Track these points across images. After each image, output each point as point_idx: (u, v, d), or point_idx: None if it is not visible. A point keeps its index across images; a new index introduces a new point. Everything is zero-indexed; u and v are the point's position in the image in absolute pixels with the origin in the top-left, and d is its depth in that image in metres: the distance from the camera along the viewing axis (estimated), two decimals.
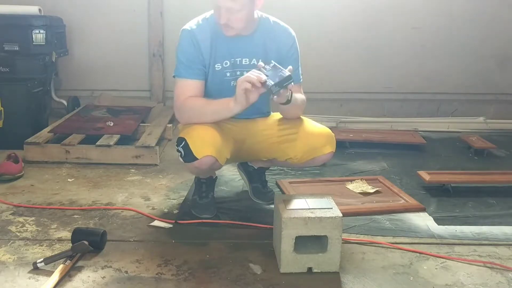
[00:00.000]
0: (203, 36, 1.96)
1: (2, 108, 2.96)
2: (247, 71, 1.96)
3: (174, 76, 2.00)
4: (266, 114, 2.19)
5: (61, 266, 1.65)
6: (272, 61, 1.83)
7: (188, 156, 1.89)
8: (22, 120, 3.05)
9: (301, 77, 2.13)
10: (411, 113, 4.00)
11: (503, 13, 3.94)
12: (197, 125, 1.92)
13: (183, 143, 1.90)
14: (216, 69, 1.99)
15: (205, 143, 1.87)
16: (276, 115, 2.18)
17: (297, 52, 2.10)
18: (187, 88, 1.97)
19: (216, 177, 2.26)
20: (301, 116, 2.11)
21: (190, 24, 1.99)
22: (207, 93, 2.04)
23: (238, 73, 2.00)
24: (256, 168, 2.33)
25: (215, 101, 1.93)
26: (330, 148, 2.04)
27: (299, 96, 2.04)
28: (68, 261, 1.68)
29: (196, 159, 1.87)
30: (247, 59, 2.01)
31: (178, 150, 1.94)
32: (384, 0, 3.88)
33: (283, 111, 2.06)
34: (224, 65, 1.99)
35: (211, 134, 1.90)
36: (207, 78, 2.01)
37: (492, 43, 3.98)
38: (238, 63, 2.00)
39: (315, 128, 2.07)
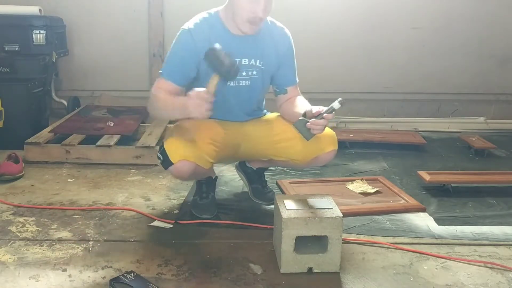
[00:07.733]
0: (201, 36, 1.91)
1: (2, 109, 2.96)
2: (246, 72, 1.96)
3: (160, 73, 1.94)
4: (261, 115, 2.16)
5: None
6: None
7: (166, 161, 1.85)
8: (22, 120, 3.05)
9: (296, 78, 2.11)
10: (412, 113, 4.00)
11: (503, 13, 3.93)
12: (181, 129, 1.89)
13: (161, 148, 1.87)
14: None
15: (181, 147, 1.84)
16: (271, 115, 2.16)
17: (293, 52, 2.09)
18: (165, 87, 1.90)
19: (216, 177, 2.25)
20: None
21: (189, 24, 1.94)
22: None
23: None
24: (255, 169, 2.32)
25: (177, 98, 1.85)
26: (332, 146, 2.03)
27: (302, 99, 2.04)
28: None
29: (172, 164, 1.84)
30: (247, 60, 1.97)
31: (158, 157, 1.90)
32: (384, 0, 3.88)
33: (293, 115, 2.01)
34: None
35: (191, 137, 1.86)
36: (204, 78, 1.95)
37: (492, 43, 3.98)
38: (237, 63, 1.95)
39: None
